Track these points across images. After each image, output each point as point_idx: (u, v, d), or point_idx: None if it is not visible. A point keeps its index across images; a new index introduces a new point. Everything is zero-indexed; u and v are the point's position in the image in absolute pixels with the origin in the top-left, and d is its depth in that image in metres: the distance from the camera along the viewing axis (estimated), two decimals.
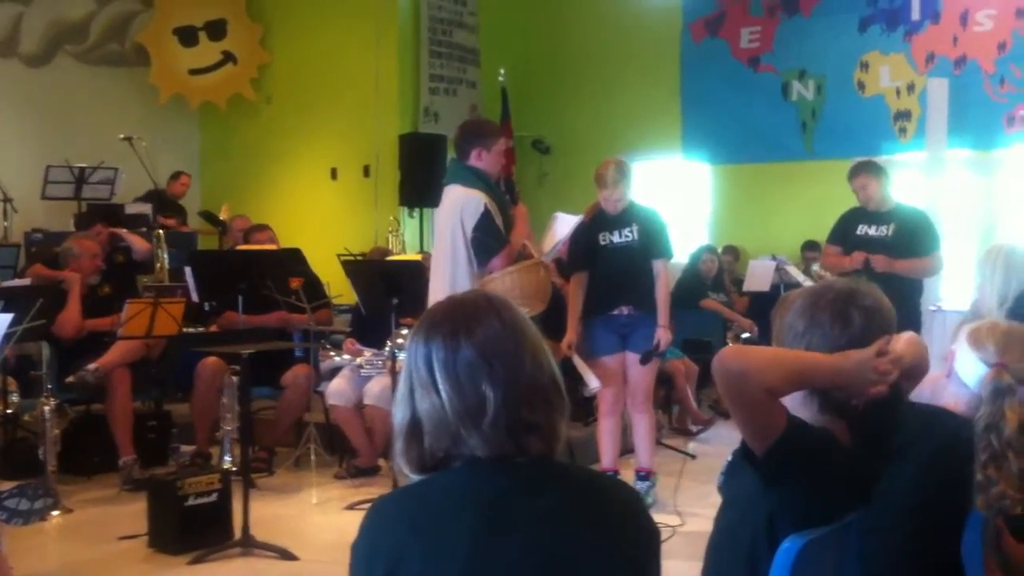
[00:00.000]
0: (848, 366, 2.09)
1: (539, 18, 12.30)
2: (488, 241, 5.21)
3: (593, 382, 5.87)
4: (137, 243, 7.68)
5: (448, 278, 5.16)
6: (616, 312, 5.90)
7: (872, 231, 6.51)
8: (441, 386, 1.68)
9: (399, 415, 1.74)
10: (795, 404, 2.18)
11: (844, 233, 6.66)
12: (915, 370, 2.38)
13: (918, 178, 9.48)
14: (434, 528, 1.65)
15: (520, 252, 5.33)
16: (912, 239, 6.42)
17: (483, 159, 5.37)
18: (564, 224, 5.70)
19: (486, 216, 5.21)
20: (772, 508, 2.11)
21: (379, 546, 1.66)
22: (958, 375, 2.64)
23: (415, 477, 1.75)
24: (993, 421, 2.37)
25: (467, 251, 5.22)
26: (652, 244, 5.94)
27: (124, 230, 7.92)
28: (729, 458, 2.30)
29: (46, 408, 5.71)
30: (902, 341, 2.30)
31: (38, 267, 7.31)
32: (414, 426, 1.71)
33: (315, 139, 11.49)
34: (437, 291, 5.14)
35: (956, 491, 2.40)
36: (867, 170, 6.56)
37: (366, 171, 11.22)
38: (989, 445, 2.36)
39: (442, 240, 5.33)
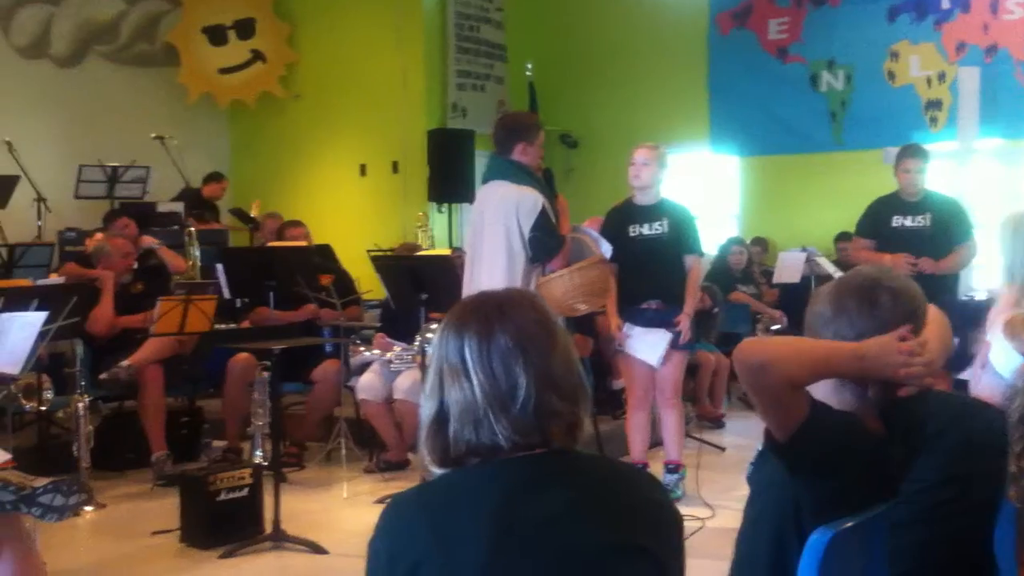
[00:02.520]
0: (871, 351, 2.06)
1: (565, 12, 12.28)
2: (547, 240, 5.21)
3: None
4: (171, 261, 7.75)
5: (505, 276, 5.12)
6: (644, 306, 5.86)
7: (908, 222, 6.40)
8: (473, 373, 1.69)
9: (427, 408, 1.75)
10: (827, 391, 2.16)
11: (876, 225, 6.54)
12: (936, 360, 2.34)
13: (949, 168, 9.40)
14: (453, 525, 1.64)
15: (576, 247, 5.33)
16: (950, 229, 6.34)
17: (527, 154, 5.36)
18: (598, 237, 5.69)
19: (543, 215, 5.21)
20: (798, 496, 2.10)
21: (399, 546, 1.66)
22: (992, 365, 2.62)
23: (437, 470, 1.75)
24: None
25: (524, 249, 5.22)
26: (683, 239, 5.90)
27: (157, 242, 7.99)
28: (758, 447, 2.30)
29: (79, 405, 5.75)
30: (933, 327, 2.27)
31: (71, 265, 7.39)
32: (441, 417, 1.72)
33: (344, 136, 11.53)
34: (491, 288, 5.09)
35: (988, 483, 2.38)
36: (919, 155, 6.44)
37: (395, 167, 11.26)
38: (1023, 436, 2.35)
39: (494, 237, 5.27)
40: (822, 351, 2.13)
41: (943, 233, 6.31)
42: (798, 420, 2.04)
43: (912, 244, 6.26)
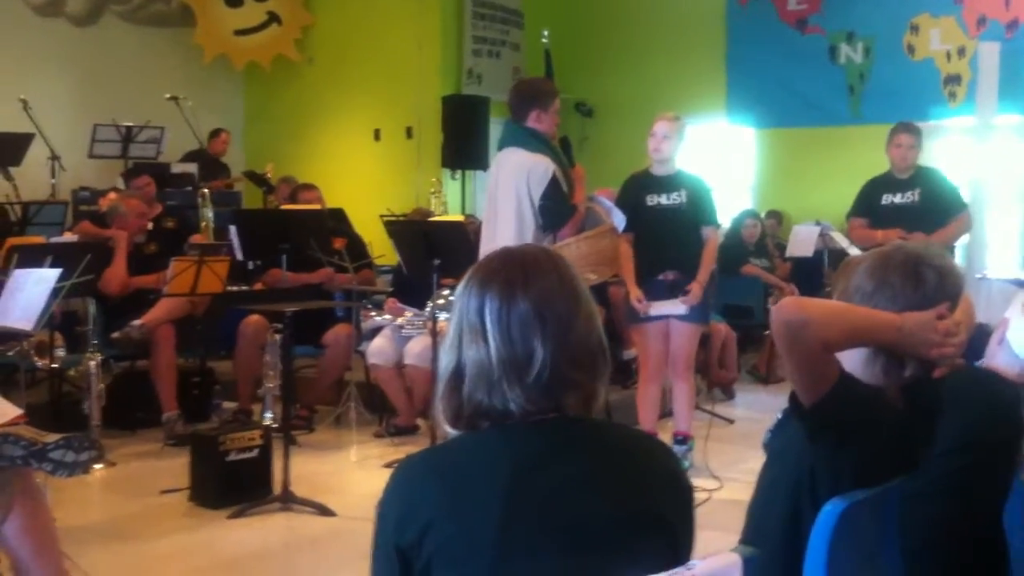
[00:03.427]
0: (909, 325, 2.06)
1: None
2: (557, 208, 5.19)
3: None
4: None
5: (515, 243, 5.11)
6: (661, 277, 5.83)
7: (898, 199, 6.38)
8: (491, 335, 1.66)
9: (444, 361, 1.72)
10: (856, 364, 2.15)
11: (868, 203, 6.54)
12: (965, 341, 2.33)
13: (967, 144, 9.34)
14: (465, 491, 1.62)
15: (591, 216, 5.30)
16: (939, 202, 6.31)
17: (542, 121, 5.33)
18: (611, 206, 5.66)
19: (554, 183, 5.18)
20: (815, 465, 2.10)
21: (408, 509, 1.64)
22: (1010, 344, 2.60)
23: (449, 429, 1.74)
24: None
25: (534, 217, 5.20)
26: (700, 210, 5.87)
27: None
28: (779, 416, 2.29)
29: (91, 363, 5.77)
30: (965, 308, 2.26)
31: (85, 224, 7.40)
32: (457, 373, 1.70)
33: (358, 100, 11.51)
34: None
35: (1001, 458, 2.38)
36: (911, 130, 6.42)
37: (409, 132, 11.24)
38: None
39: (506, 204, 5.26)
40: (862, 316, 2.12)
41: (933, 208, 6.28)
42: (826, 386, 2.04)
43: (903, 220, 6.24)
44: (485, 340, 1.67)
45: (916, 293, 2.14)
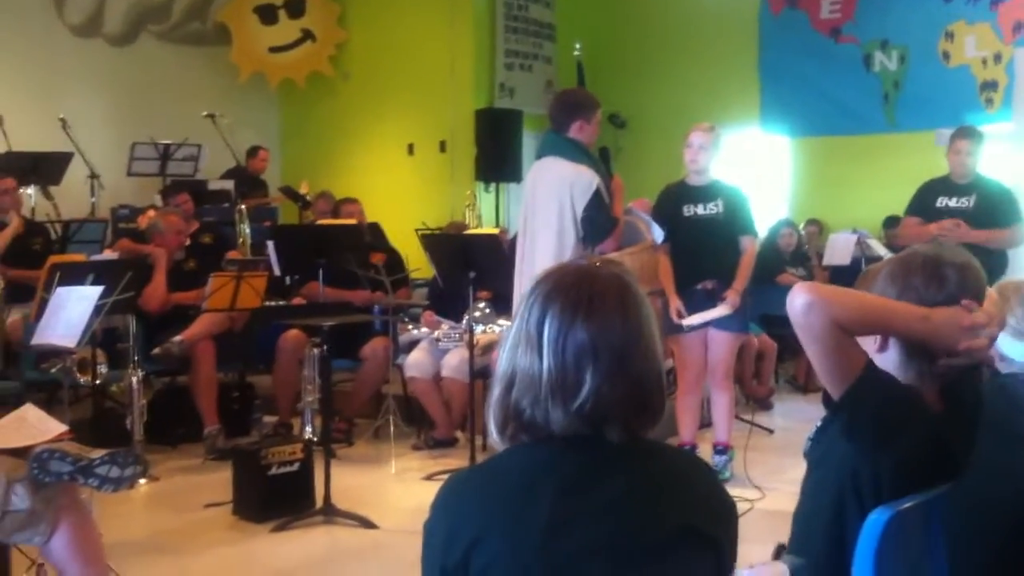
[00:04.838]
0: (938, 317, 2.07)
1: None
2: (600, 221, 5.17)
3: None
4: None
5: (555, 253, 5.08)
6: (700, 287, 5.83)
7: (952, 203, 6.36)
8: (546, 352, 1.65)
9: (502, 363, 1.72)
10: (890, 367, 2.16)
11: (923, 205, 6.51)
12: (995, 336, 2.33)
13: (1005, 150, 9.26)
14: (510, 509, 1.62)
15: (629, 229, 5.30)
16: (993, 211, 6.27)
17: (584, 131, 5.32)
18: (650, 220, 5.66)
19: (597, 195, 5.16)
20: (856, 465, 2.09)
21: (456, 526, 1.64)
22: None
23: (496, 436, 1.74)
24: None
25: (576, 228, 5.18)
26: (738, 220, 5.87)
27: None
28: (817, 424, 2.29)
29: (133, 379, 5.83)
30: (989, 304, 2.26)
31: (125, 241, 7.48)
32: (511, 378, 1.69)
33: (392, 115, 11.56)
34: (539, 266, 5.07)
35: None
36: (971, 136, 6.39)
37: (442, 146, 11.27)
38: None
39: (545, 213, 5.23)
40: (880, 302, 2.13)
41: (986, 215, 6.24)
42: (853, 374, 2.04)
43: None
44: (540, 355, 1.66)
45: (940, 293, 2.14)
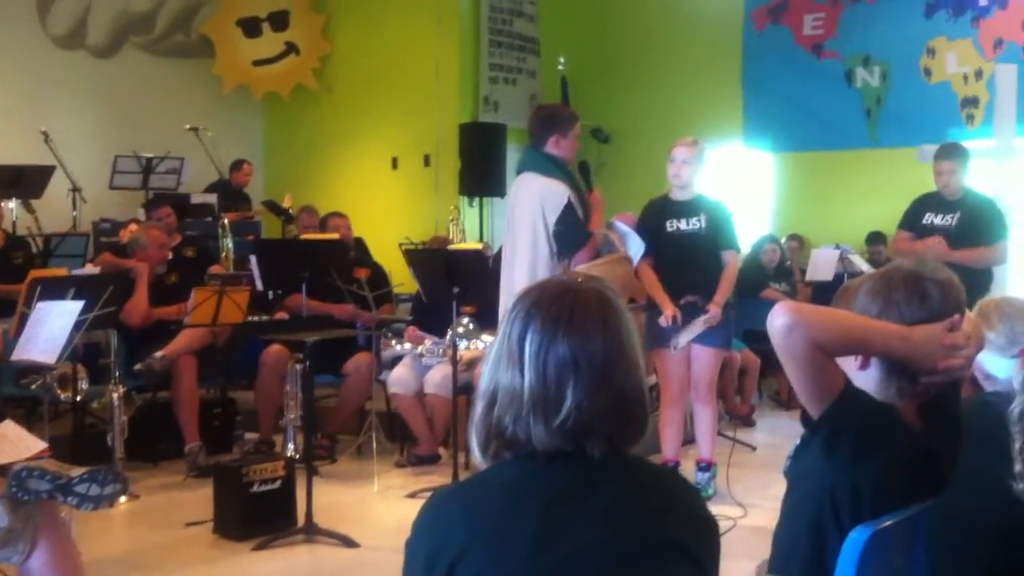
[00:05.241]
0: (919, 336, 2.06)
1: (599, 6, 12.26)
2: (571, 235, 5.18)
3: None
4: None
5: (529, 269, 5.13)
6: (683, 302, 5.83)
7: (938, 220, 6.41)
8: (527, 368, 1.65)
9: (484, 380, 1.72)
10: (870, 386, 2.15)
11: (913, 220, 6.56)
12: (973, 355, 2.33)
13: (987, 166, 9.31)
14: (497, 523, 1.62)
15: (607, 243, 5.31)
16: (976, 229, 6.30)
17: (560, 146, 5.35)
18: (627, 232, 5.67)
19: (569, 208, 5.18)
20: (835, 484, 2.08)
21: (439, 543, 1.64)
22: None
23: (478, 455, 1.73)
24: None
25: (549, 242, 5.20)
26: (721, 235, 5.89)
27: None
28: (796, 442, 2.29)
29: (114, 395, 5.80)
30: (968, 321, 2.27)
31: (107, 256, 7.44)
32: (493, 395, 1.69)
33: (376, 129, 11.55)
34: (516, 281, 5.12)
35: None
36: (955, 156, 6.41)
37: (426, 160, 11.27)
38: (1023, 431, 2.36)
39: (522, 229, 5.27)
40: (862, 322, 2.12)
41: (968, 233, 6.27)
42: (831, 394, 2.03)
43: None
44: (521, 371, 1.66)
45: (922, 309, 2.14)
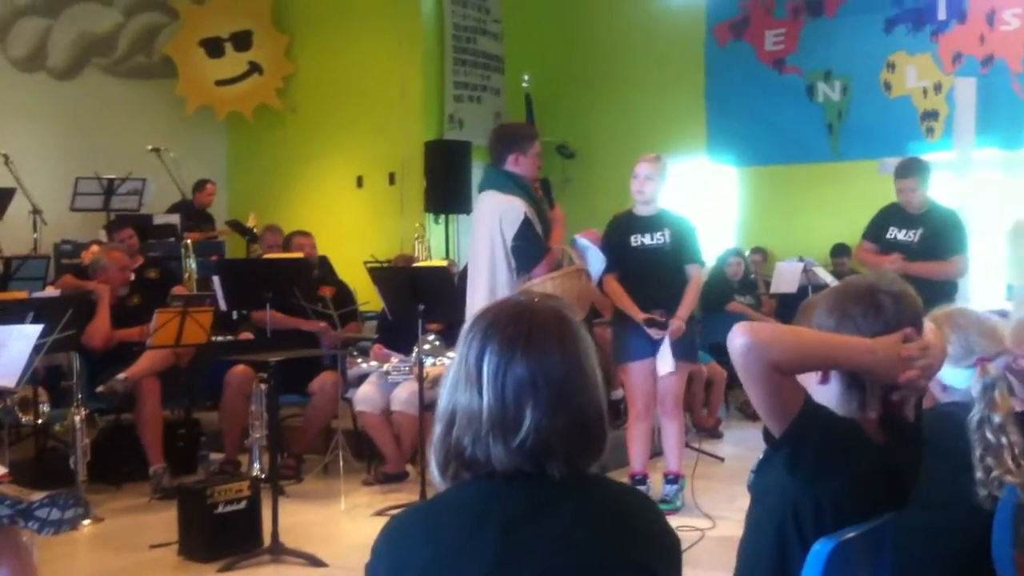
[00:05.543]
0: (881, 348, 2.06)
1: (563, 24, 12.32)
2: (529, 249, 5.21)
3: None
4: None
5: (487, 285, 5.16)
6: (645, 318, 5.85)
7: (901, 235, 6.44)
8: (485, 388, 1.65)
9: (443, 401, 1.71)
10: (831, 401, 2.15)
11: (877, 233, 6.60)
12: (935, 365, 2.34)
13: (946, 178, 9.42)
14: (458, 544, 1.62)
15: (565, 259, 5.33)
16: (939, 243, 6.34)
17: (520, 164, 5.38)
18: (587, 246, 5.69)
19: (526, 224, 5.21)
20: (797, 498, 2.09)
21: (399, 565, 1.63)
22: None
23: (437, 476, 1.72)
24: (984, 415, 2.40)
25: (507, 259, 5.22)
26: (684, 249, 5.93)
27: None
28: (760, 456, 2.29)
29: (76, 418, 5.74)
30: (930, 332, 2.28)
31: (68, 278, 7.37)
32: (451, 416, 1.68)
33: (341, 147, 11.54)
34: (476, 299, 5.13)
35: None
36: (915, 172, 6.43)
37: (391, 178, 11.26)
38: (983, 438, 2.40)
39: (481, 246, 5.31)
40: (823, 339, 2.12)
41: (931, 248, 6.31)
42: (792, 411, 2.04)
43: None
44: (479, 392, 1.65)
45: (877, 321, 2.14)
